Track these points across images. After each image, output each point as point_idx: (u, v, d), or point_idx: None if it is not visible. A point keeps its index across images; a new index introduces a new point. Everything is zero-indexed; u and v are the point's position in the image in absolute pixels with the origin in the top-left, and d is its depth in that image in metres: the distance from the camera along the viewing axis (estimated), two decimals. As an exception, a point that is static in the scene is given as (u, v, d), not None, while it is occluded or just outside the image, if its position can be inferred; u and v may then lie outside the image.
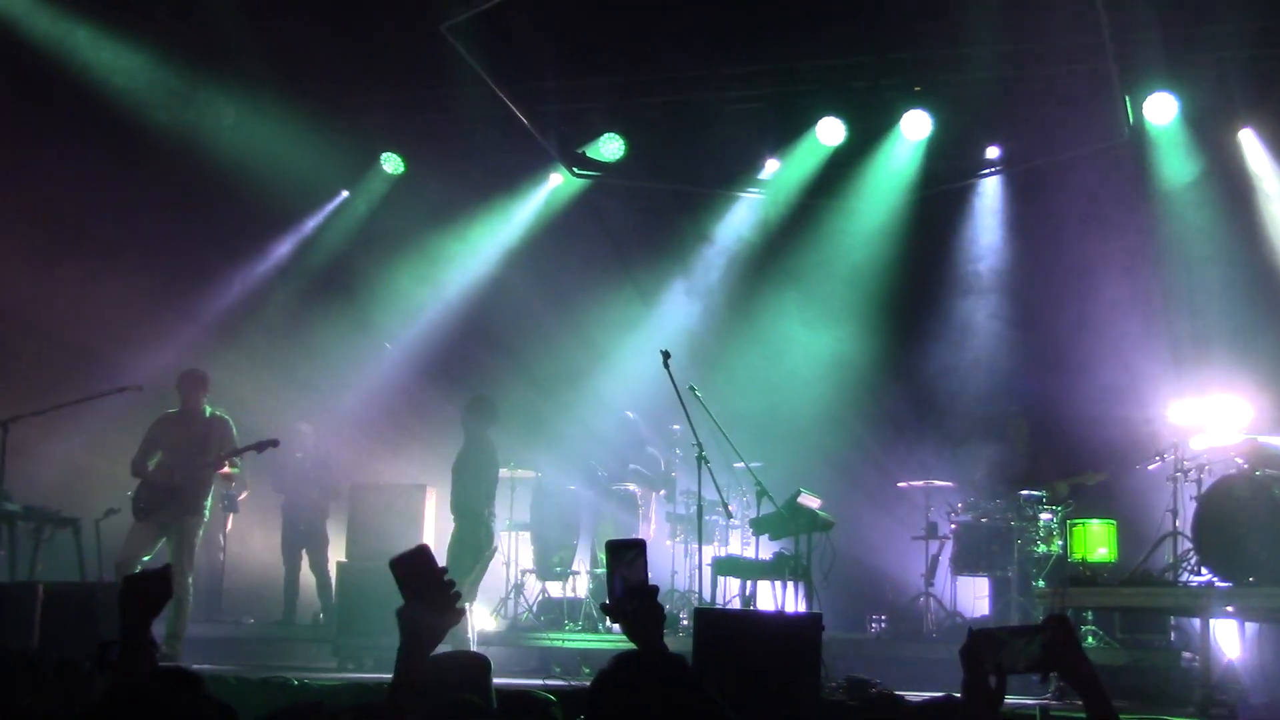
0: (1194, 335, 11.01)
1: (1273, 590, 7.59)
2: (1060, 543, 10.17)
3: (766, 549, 9.27)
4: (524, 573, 11.57)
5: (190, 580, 9.37)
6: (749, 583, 9.72)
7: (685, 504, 11.12)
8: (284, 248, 13.26)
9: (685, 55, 11.31)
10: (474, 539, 9.34)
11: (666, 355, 8.53)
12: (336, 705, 3.53)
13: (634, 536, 4.39)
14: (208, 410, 9.51)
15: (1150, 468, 9.19)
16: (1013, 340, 12.13)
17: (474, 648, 8.91)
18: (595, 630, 10.67)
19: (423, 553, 2.94)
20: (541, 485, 11.89)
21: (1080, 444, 10.90)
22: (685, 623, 10.06)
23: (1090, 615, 9.31)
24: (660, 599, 3.22)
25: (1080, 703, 2.69)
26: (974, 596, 11.04)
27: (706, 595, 9.84)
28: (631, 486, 11.74)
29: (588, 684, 2.87)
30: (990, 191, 12.33)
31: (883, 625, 10.87)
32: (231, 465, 9.67)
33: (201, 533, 9.54)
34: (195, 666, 8.46)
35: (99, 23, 10.70)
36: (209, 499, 9.47)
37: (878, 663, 9.31)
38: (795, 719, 6.19)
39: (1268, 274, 10.81)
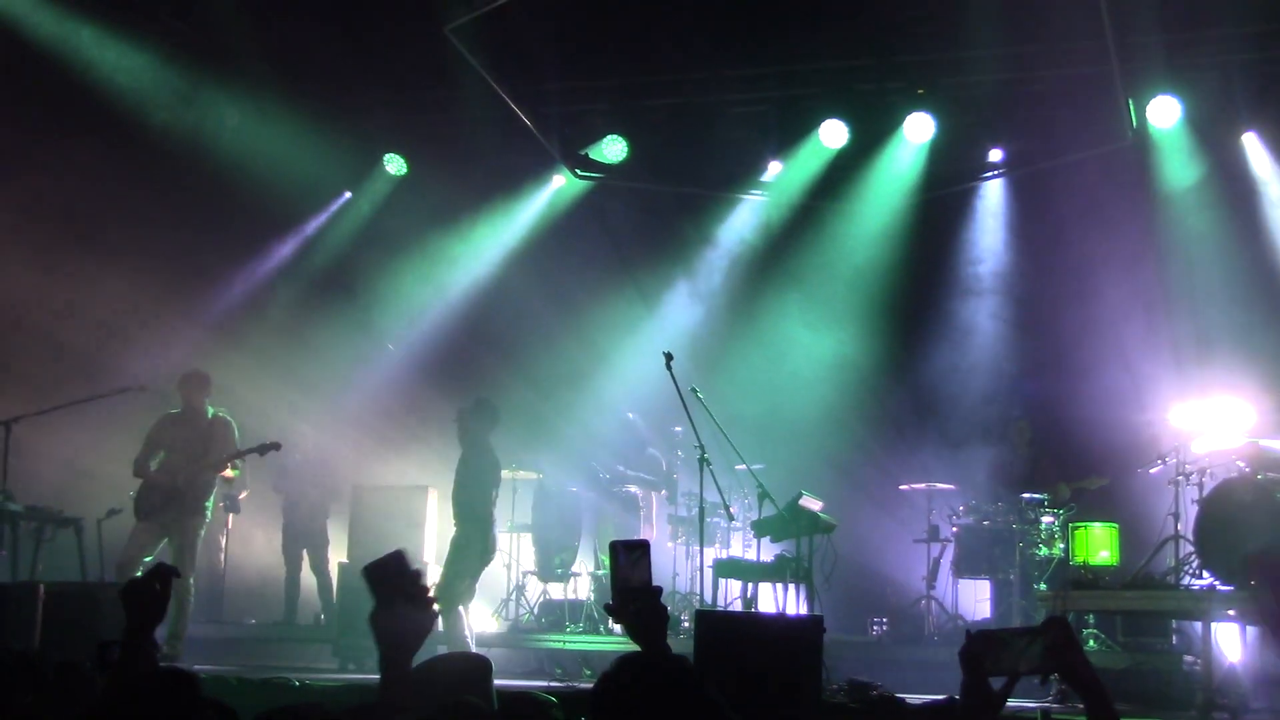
0: (1196, 338, 10.99)
1: (1275, 594, 7.58)
2: (1062, 546, 10.17)
3: (768, 551, 9.26)
4: (525, 574, 11.57)
5: (191, 581, 9.38)
6: (750, 585, 9.72)
7: (687, 506, 11.12)
8: (286, 248, 13.26)
9: (688, 57, 11.32)
10: (481, 544, 9.32)
11: (669, 357, 8.52)
12: (337, 706, 3.52)
13: (637, 538, 4.39)
14: (210, 411, 9.51)
15: (1152, 471, 9.18)
16: (1015, 343, 12.14)
17: (473, 649, 8.89)
18: (596, 632, 10.67)
19: (398, 558, 2.94)
20: (543, 487, 11.89)
21: (1082, 447, 10.91)
22: (687, 625, 10.06)
23: (1092, 618, 9.31)
24: (661, 601, 3.21)
25: (1081, 706, 2.68)
26: (975, 599, 11.04)
27: (708, 597, 9.83)
28: (633, 488, 11.74)
29: (589, 686, 2.87)
30: (993, 194, 12.34)
31: (884, 628, 10.87)
32: (232, 467, 9.67)
33: (203, 533, 9.55)
34: (197, 667, 8.47)
35: (102, 23, 10.71)
36: (211, 500, 9.48)
37: (879, 665, 9.30)
38: (796, 721, 6.19)
39: (1270, 277, 10.81)
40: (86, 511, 9.55)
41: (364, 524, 11.06)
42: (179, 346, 11.43)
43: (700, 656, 6.34)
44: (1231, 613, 7.72)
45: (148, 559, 9.14)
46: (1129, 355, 11.08)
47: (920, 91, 11.43)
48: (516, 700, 3.79)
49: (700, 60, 11.40)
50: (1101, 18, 9.44)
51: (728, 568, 9.75)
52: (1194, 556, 8.29)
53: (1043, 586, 9.72)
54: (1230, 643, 8.30)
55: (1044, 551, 10.24)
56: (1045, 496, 10.38)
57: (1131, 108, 10.77)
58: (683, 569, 11.11)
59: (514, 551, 11.54)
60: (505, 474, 9.98)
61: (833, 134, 11.69)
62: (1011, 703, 2.76)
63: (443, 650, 8.58)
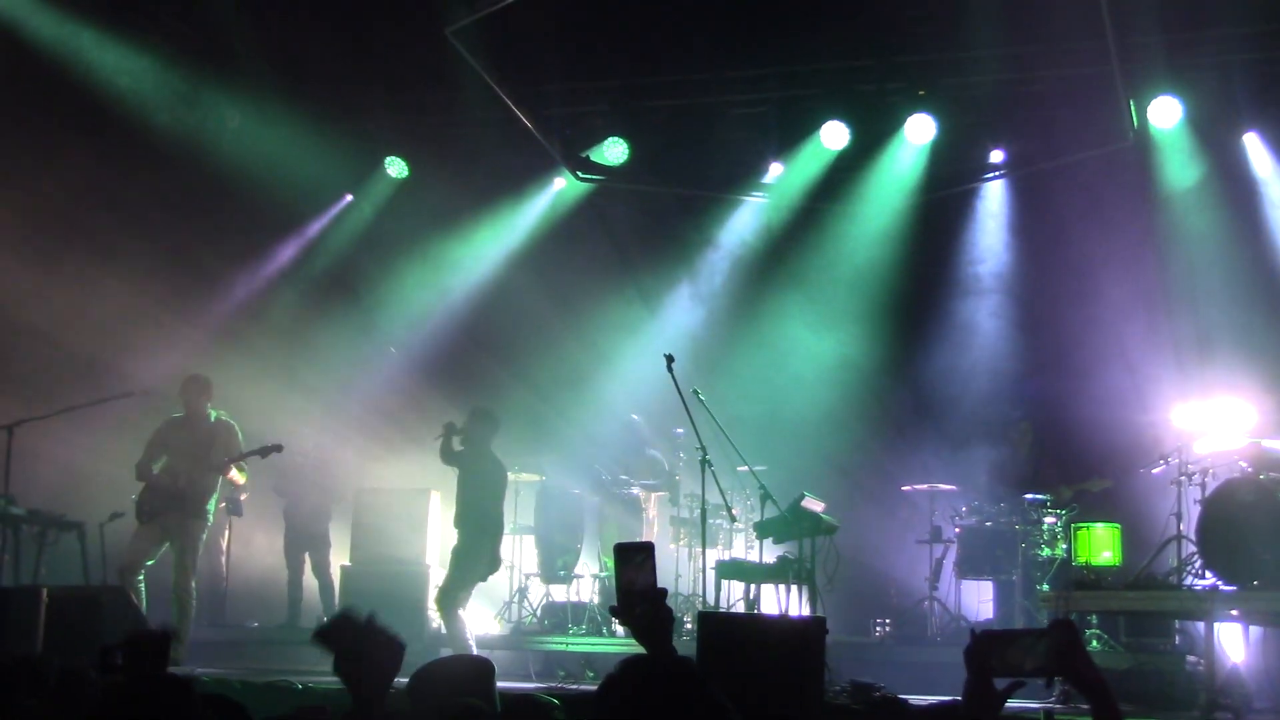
0: (1198, 338, 10.98)
1: (1277, 594, 7.58)
2: (1065, 546, 10.16)
3: (770, 552, 9.25)
4: (528, 576, 11.57)
5: (193, 584, 9.38)
6: (753, 586, 9.70)
7: (689, 507, 11.11)
8: (288, 251, 13.24)
9: (689, 59, 11.32)
10: (490, 554, 9.31)
11: (670, 359, 8.50)
12: (341, 709, 3.52)
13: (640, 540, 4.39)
14: (212, 414, 9.52)
15: (1154, 471, 9.19)
16: (1016, 343, 12.12)
17: (474, 652, 8.89)
18: (599, 634, 10.66)
19: (348, 620, 2.97)
20: (545, 489, 11.88)
21: (1084, 447, 10.90)
22: (689, 626, 10.05)
23: (1095, 619, 9.30)
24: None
25: (1085, 707, 2.68)
26: (978, 600, 11.03)
27: (710, 599, 9.82)
28: (635, 490, 11.73)
29: (592, 688, 2.87)
30: (994, 195, 12.32)
31: (887, 629, 10.85)
32: (239, 470, 9.67)
33: (205, 537, 9.55)
34: (199, 670, 8.49)
35: (103, 25, 10.71)
36: (213, 503, 9.48)
37: (882, 666, 9.30)
38: (799, 723, 6.18)
39: (1271, 277, 10.80)
40: (89, 515, 9.55)
41: (366, 526, 11.06)
42: (180, 349, 11.42)
43: (703, 658, 6.34)
44: (1234, 613, 7.72)
45: (149, 562, 9.16)
46: (1130, 356, 11.07)
47: (921, 92, 11.42)
48: (519, 703, 3.79)
49: (701, 62, 11.40)
50: (1102, 18, 9.43)
51: (730, 569, 9.73)
52: (1196, 557, 8.29)
53: (1045, 587, 9.71)
54: (1233, 643, 8.31)
55: (1046, 552, 10.24)
56: (1047, 497, 10.37)
57: (1132, 108, 10.76)
58: (685, 570, 11.10)
59: (516, 554, 11.52)
60: (508, 476, 9.96)
61: (833, 135, 11.68)
62: (1014, 703, 2.75)
63: (445, 653, 8.58)
